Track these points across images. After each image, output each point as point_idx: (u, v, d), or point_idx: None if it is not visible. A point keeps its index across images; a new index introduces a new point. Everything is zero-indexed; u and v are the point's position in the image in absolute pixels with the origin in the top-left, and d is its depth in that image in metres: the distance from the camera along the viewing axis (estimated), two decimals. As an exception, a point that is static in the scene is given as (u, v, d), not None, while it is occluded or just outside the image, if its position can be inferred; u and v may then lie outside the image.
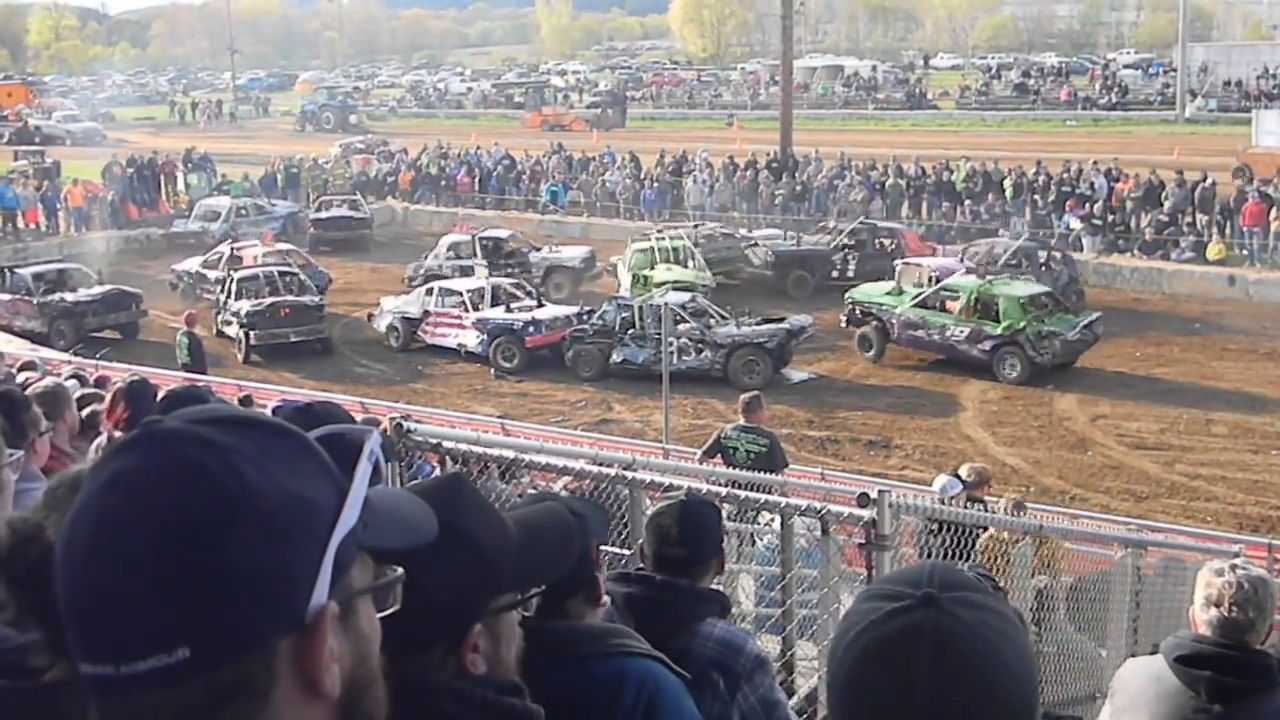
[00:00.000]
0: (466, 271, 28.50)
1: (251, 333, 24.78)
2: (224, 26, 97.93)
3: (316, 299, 26.57)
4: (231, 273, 26.82)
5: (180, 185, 43.60)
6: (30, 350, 20.83)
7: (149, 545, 1.05)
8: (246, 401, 12.53)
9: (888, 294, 24.15)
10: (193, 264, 30.85)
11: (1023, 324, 21.96)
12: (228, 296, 26.09)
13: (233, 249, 30.06)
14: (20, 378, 9.68)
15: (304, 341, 25.33)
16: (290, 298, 26.01)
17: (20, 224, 37.82)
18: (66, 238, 37.45)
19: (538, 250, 31.53)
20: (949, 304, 22.95)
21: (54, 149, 52.38)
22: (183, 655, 1.04)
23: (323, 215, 38.08)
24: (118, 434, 5.27)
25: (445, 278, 28.11)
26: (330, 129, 69.17)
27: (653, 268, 27.63)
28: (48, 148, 51.46)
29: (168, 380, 13.64)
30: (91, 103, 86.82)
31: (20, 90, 75.77)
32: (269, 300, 25.61)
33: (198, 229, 37.51)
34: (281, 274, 27.31)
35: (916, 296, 23.48)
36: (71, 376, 10.39)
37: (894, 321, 23.42)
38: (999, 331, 22.09)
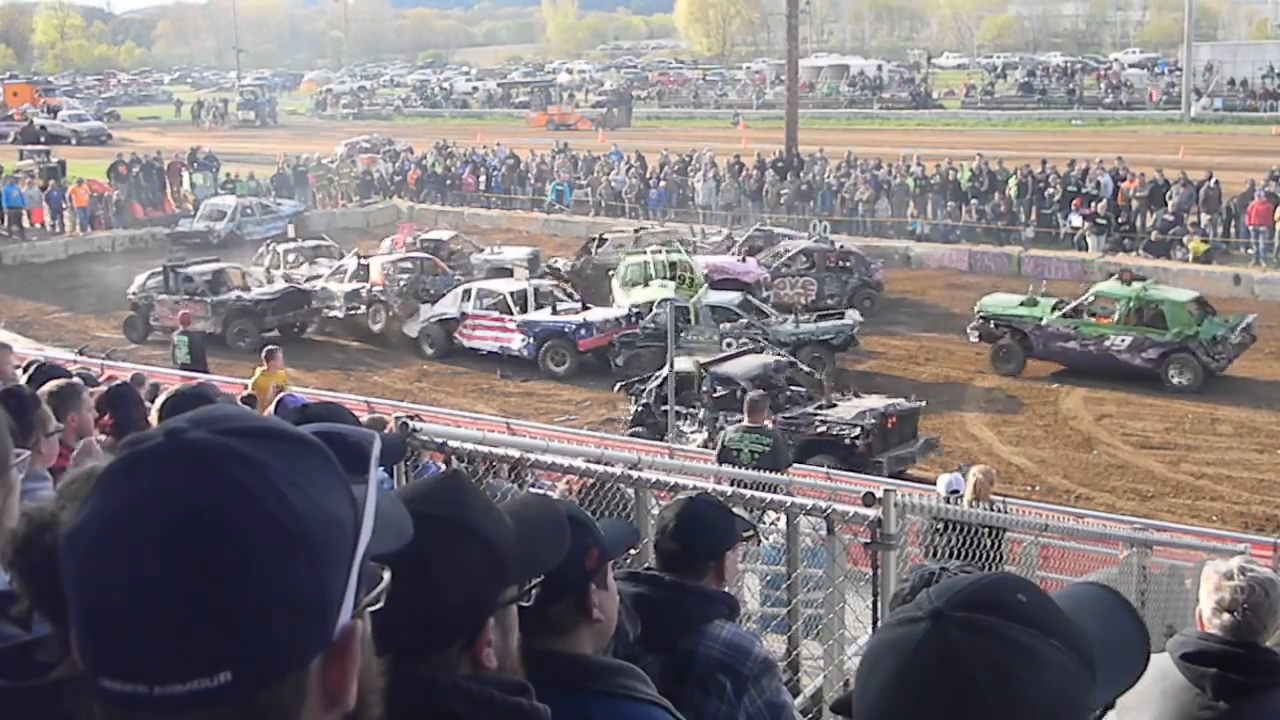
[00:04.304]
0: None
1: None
2: (229, 26, 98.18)
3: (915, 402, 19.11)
4: (703, 369, 18.47)
5: (186, 185, 43.61)
6: (36, 349, 20.86)
7: (195, 568, 1.01)
8: (250, 400, 12.53)
9: (1022, 304, 23.07)
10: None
11: (1194, 330, 21.25)
12: (708, 412, 18.09)
13: (359, 258, 27.94)
14: (24, 378, 9.70)
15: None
16: (899, 403, 18.66)
17: (26, 223, 37.83)
18: (72, 237, 37.54)
19: (480, 251, 31.06)
20: (1099, 315, 22.15)
21: (59, 148, 52.40)
22: (224, 679, 1.01)
23: (265, 296, 26.75)
24: (103, 437, 5.27)
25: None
26: (223, 127, 74.37)
27: (646, 283, 25.93)
28: (53, 147, 51.45)
29: (171, 380, 13.69)
30: (97, 102, 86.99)
31: (26, 90, 75.91)
32: (879, 408, 17.98)
33: (203, 228, 37.59)
34: (785, 366, 19.40)
35: (1056, 306, 22.62)
36: (76, 376, 10.37)
37: (1036, 333, 22.43)
38: (1168, 339, 21.41)
